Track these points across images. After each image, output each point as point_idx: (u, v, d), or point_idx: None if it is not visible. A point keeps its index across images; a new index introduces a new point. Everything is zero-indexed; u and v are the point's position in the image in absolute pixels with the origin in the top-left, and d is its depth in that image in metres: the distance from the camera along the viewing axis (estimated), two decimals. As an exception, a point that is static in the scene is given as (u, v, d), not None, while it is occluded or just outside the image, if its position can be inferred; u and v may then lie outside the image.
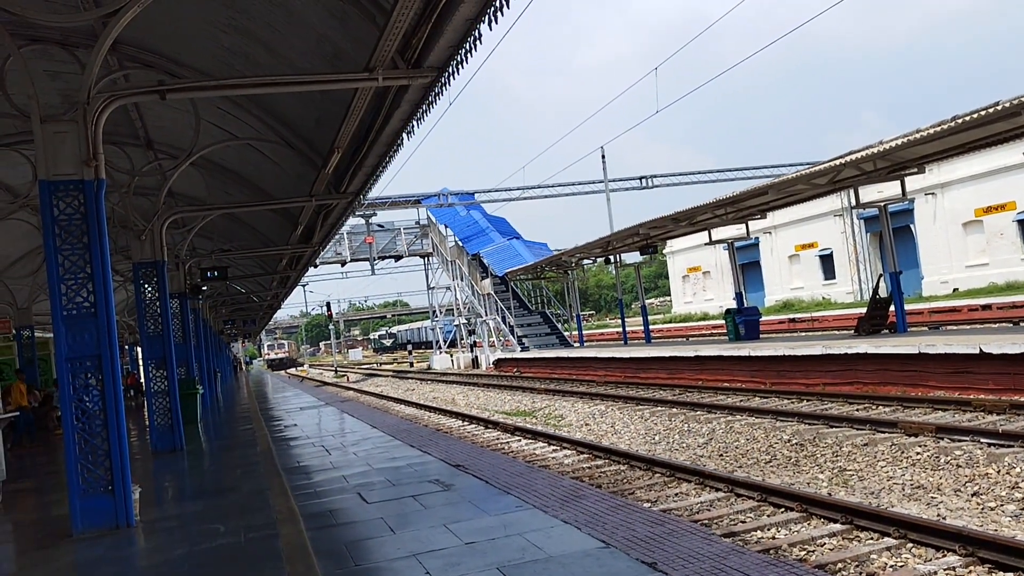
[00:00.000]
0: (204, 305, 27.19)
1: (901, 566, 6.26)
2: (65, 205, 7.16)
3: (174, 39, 10.98)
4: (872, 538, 6.96)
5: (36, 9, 7.88)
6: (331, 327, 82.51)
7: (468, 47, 7.65)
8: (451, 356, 47.83)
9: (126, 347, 39.11)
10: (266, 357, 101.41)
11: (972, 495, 8.25)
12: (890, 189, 21.63)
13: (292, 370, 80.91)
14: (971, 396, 13.16)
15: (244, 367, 76.73)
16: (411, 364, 57.19)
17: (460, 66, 8.07)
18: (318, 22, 9.28)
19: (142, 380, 18.45)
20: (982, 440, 9.88)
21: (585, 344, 39.13)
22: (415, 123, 9.94)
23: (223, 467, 11.03)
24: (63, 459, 7.13)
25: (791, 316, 40.50)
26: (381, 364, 73.00)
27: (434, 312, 52.19)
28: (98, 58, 7.27)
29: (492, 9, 6.90)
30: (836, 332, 30.16)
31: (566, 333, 40.68)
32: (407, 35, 7.62)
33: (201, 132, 11.85)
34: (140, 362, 16.86)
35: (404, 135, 10.47)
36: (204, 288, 19.97)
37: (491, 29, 7.15)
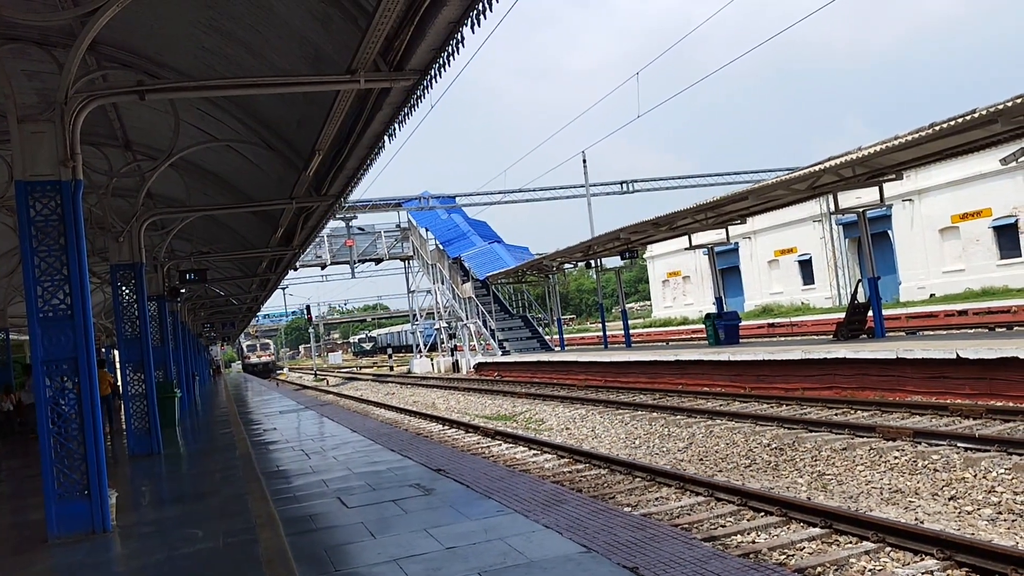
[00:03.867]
0: (182, 308, 26.96)
1: (880, 570, 6.30)
2: (42, 206, 7.08)
3: (154, 39, 10.89)
4: (851, 542, 7.00)
5: (13, 8, 7.79)
6: (311, 330, 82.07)
7: (451, 50, 7.64)
8: (431, 360, 47.72)
9: (103, 350, 38.69)
10: (246, 361, 79.99)
11: (949, 499, 8.33)
12: (868, 195, 21.82)
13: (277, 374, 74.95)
14: (948, 401, 13.30)
15: (222, 371, 74.89)
16: (391, 368, 57.02)
17: (442, 69, 8.06)
18: (300, 24, 9.24)
19: (119, 383, 18.28)
20: (959, 444, 9.98)
21: (566, 348, 39.18)
22: (397, 126, 9.90)
23: (201, 471, 10.94)
24: (38, 462, 7.03)
25: (770, 321, 40.74)
26: (361, 368, 72.74)
27: (415, 316, 52.07)
28: (76, 58, 7.20)
29: (475, 12, 6.88)
30: (815, 337, 30.38)
31: (547, 337, 40.71)
32: (389, 37, 7.59)
33: (181, 133, 11.74)
34: (117, 365, 16.70)
35: (386, 138, 10.43)
36: (183, 291, 19.79)
37: (474, 32, 7.14)
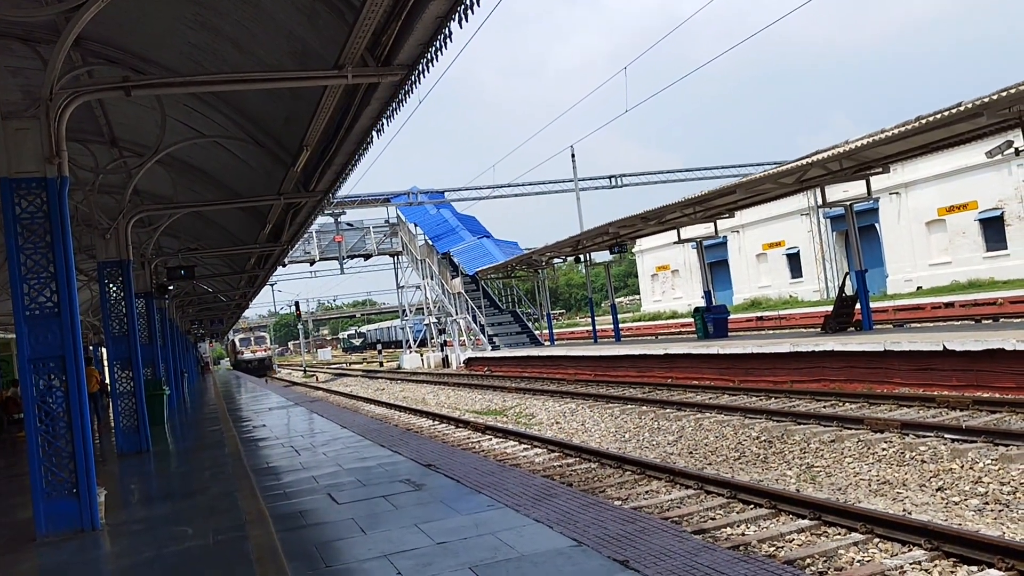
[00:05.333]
0: (170, 305, 26.84)
1: (868, 561, 6.34)
2: (27, 203, 7.03)
3: (139, 35, 10.82)
4: (840, 533, 7.04)
5: (-4, 3, 7.72)
6: (300, 326, 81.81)
7: (438, 45, 7.62)
8: (421, 355, 47.69)
9: (90, 347, 38.50)
10: (238, 356, 68.45)
11: (937, 490, 8.38)
12: (855, 188, 21.95)
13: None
14: (935, 392, 13.38)
15: (211, 368, 73.59)
16: (381, 364, 56.91)
17: (430, 64, 8.04)
18: (287, 19, 9.19)
19: (107, 381, 18.20)
20: (946, 436, 10.04)
21: (555, 343, 39.22)
22: (385, 121, 9.87)
23: (191, 469, 10.90)
24: (26, 461, 6.99)
25: (759, 314, 40.90)
26: (351, 364, 72.61)
27: (404, 311, 52.01)
28: (61, 54, 7.14)
29: (462, 7, 6.87)
30: (803, 330, 30.51)
31: (536, 332, 40.73)
32: (377, 32, 7.57)
33: (167, 130, 11.68)
34: (105, 363, 16.66)
35: (374, 133, 10.41)
36: (171, 287, 19.70)
37: (461, 27, 7.13)
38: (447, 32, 7.33)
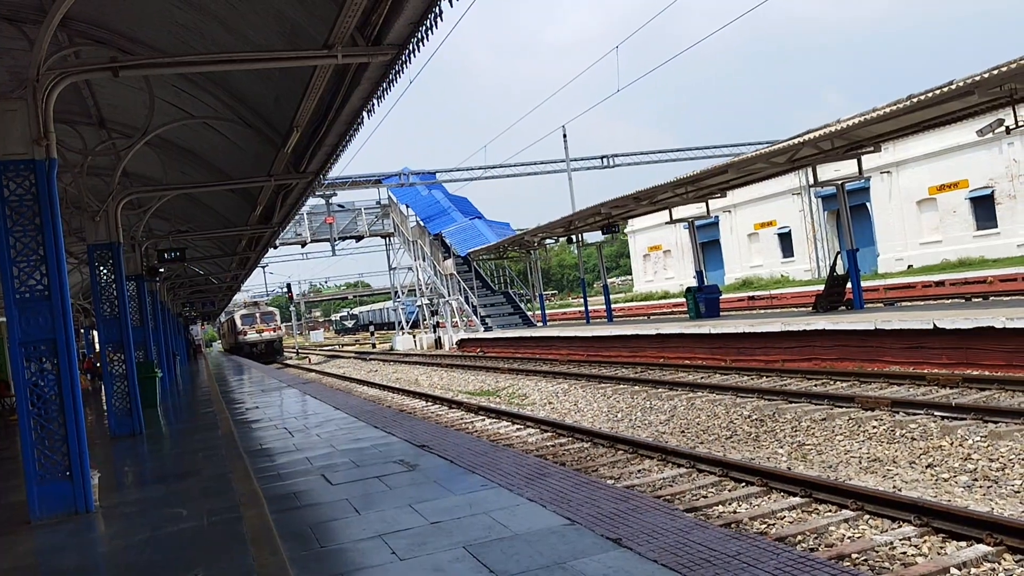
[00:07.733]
0: (162, 287, 26.76)
1: (859, 537, 6.40)
2: (15, 186, 6.97)
3: (127, 15, 10.71)
4: (830, 510, 7.10)
5: (-19, -17, 7.63)
6: (292, 308, 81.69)
7: (429, 24, 7.57)
8: (414, 337, 47.70)
9: (82, 330, 38.39)
10: (240, 337, 56.15)
11: (926, 467, 8.45)
12: (847, 168, 21.93)
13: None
14: (925, 371, 13.46)
15: (203, 350, 72.87)
16: (373, 345, 56.92)
17: (421, 43, 7.99)
18: (275, -2, 9.11)
19: (99, 364, 18.15)
20: (936, 413, 10.12)
21: (548, 323, 39.27)
22: (375, 101, 9.83)
23: (184, 451, 10.89)
24: (19, 444, 6.98)
25: (750, 294, 40.98)
26: (343, 346, 72.64)
27: (396, 293, 51.96)
28: (47, 34, 7.07)
29: (453, -15, 6.83)
30: (795, 309, 30.63)
31: (529, 313, 40.77)
32: (367, 11, 7.52)
33: (156, 111, 11.59)
34: (97, 345, 16.66)
35: (364, 113, 10.36)
36: (161, 270, 19.64)
37: (452, 5, 7.09)
38: (438, 10, 7.29)
